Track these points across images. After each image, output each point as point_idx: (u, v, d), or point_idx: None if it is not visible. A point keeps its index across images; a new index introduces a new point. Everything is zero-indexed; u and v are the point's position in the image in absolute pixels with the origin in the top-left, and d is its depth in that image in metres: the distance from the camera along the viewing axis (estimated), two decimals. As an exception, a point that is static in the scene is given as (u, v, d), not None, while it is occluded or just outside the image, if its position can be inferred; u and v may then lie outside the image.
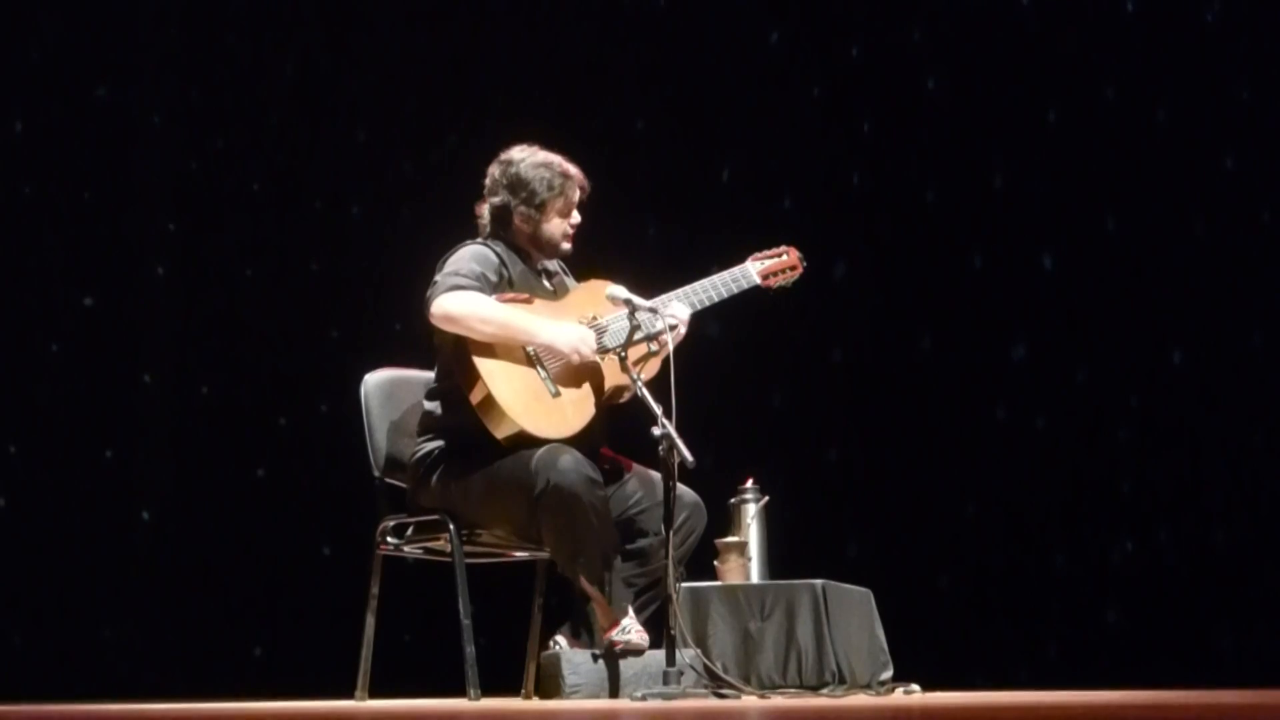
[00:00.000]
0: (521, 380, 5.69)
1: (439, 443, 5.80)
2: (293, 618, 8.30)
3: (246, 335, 8.60)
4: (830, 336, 8.20)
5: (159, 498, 8.58)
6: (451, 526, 5.78)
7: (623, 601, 5.69)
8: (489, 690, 5.89)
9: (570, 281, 6.00)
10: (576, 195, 5.89)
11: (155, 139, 8.70)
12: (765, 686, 5.91)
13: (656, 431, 5.44)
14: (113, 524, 8.48)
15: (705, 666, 5.72)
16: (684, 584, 5.89)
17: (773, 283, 6.04)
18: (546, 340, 5.70)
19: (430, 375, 5.97)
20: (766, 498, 6.22)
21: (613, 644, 5.63)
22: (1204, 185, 7.83)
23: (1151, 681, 6.81)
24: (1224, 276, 7.77)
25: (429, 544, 5.97)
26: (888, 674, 6.14)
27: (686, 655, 5.61)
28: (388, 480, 6.03)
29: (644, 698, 5.40)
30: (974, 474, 7.99)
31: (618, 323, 5.77)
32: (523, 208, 5.86)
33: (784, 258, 6.08)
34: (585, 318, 5.79)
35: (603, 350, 5.74)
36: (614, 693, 5.61)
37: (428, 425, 5.85)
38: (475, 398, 5.67)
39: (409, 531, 5.97)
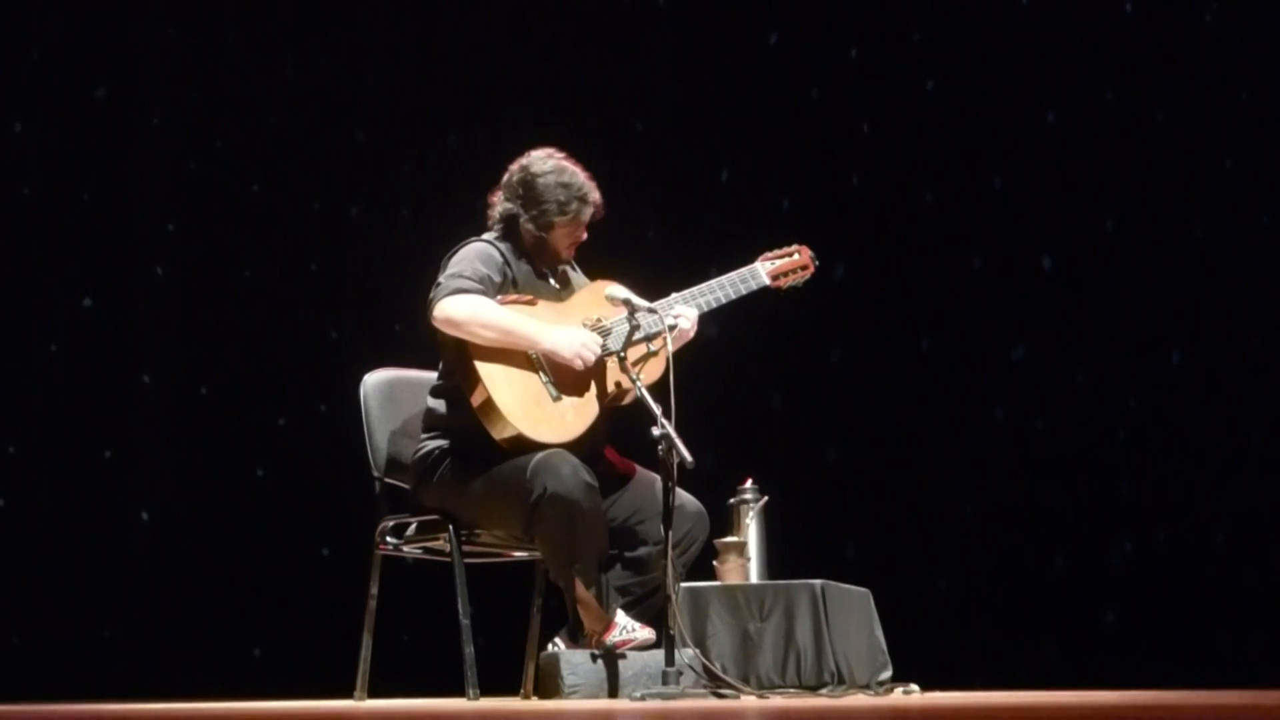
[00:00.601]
0: (522, 384, 5.70)
1: (441, 442, 5.81)
2: (292, 618, 8.30)
3: (246, 336, 8.60)
4: (829, 337, 8.20)
5: (158, 498, 8.58)
6: (450, 527, 5.79)
7: (615, 606, 5.69)
8: (488, 690, 5.90)
9: (579, 277, 5.98)
10: (589, 217, 5.87)
11: (154, 139, 8.70)
12: (764, 687, 5.91)
13: (656, 432, 5.44)
14: (112, 524, 8.48)
15: (704, 667, 5.72)
16: (683, 584, 5.89)
17: (783, 283, 6.01)
18: (549, 347, 5.70)
19: (432, 374, 5.97)
20: (766, 498, 6.22)
21: (615, 645, 5.63)
22: (1203, 186, 7.83)
23: (1150, 682, 6.81)
24: (1223, 277, 7.76)
25: (428, 544, 5.97)
26: (887, 674, 6.13)
27: (685, 655, 5.61)
28: (387, 480, 6.04)
29: (643, 698, 5.41)
30: (973, 475, 7.99)
31: (621, 325, 5.77)
32: (530, 224, 5.85)
33: (795, 257, 6.04)
34: (589, 320, 5.78)
35: (606, 353, 5.74)
36: (613, 693, 5.62)
37: (431, 423, 5.85)
38: (475, 400, 5.67)
39: (408, 531, 5.98)
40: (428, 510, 5.87)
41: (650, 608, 5.69)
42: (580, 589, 5.65)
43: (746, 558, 6.17)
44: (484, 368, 5.67)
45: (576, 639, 5.75)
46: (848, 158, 8.30)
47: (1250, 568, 7.65)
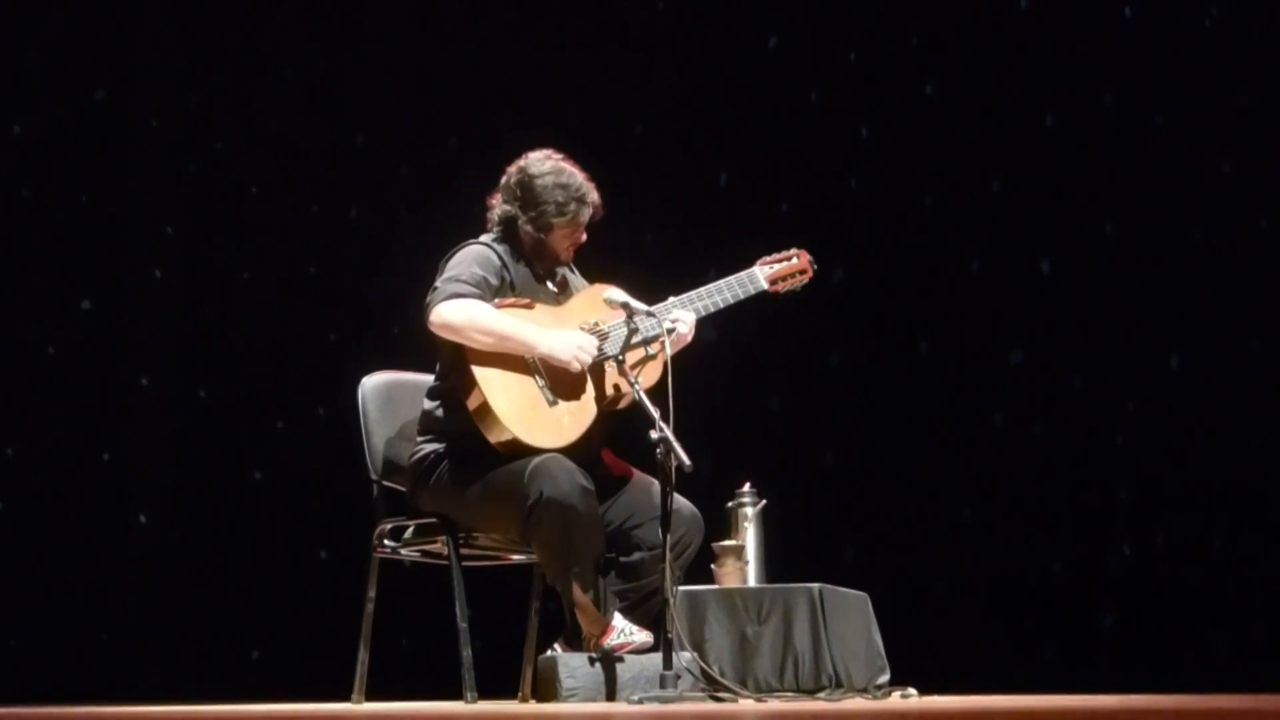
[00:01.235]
0: (518, 388, 5.69)
1: (437, 446, 5.80)
2: (290, 621, 8.30)
3: (244, 338, 8.60)
4: (828, 341, 8.20)
5: (156, 500, 8.58)
6: (448, 530, 5.79)
7: (612, 609, 5.69)
8: (485, 693, 5.89)
9: (577, 281, 5.97)
10: (587, 218, 5.86)
11: (153, 142, 8.70)
12: (762, 690, 5.90)
13: (654, 435, 5.44)
14: (110, 527, 8.48)
15: (702, 670, 5.71)
16: (681, 587, 5.88)
17: (781, 287, 6.00)
18: (545, 350, 5.69)
19: (430, 378, 5.97)
20: (764, 501, 6.22)
21: (613, 649, 5.63)
22: (1202, 190, 7.83)
23: (1148, 686, 6.81)
24: (1222, 282, 7.76)
25: (426, 547, 5.97)
26: (884, 678, 6.13)
27: (683, 659, 5.60)
28: (385, 484, 6.03)
29: (641, 701, 5.40)
30: (971, 478, 7.99)
31: (619, 329, 5.76)
32: (529, 225, 5.84)
33: (793, 261, 6.03)
34: (587, 324, 5.77)
35: (603, 357, 5.73)
36: (610, 696, 5.61)
37: (427, 426, 5.85)
38: (471, 404, 5.67)
39: (406, 534, 5.98)
40: (425, 514, 5.87)
41: (648, 611, 5.68)
42: (577, 593, 5.65)
43: (744, 561, 6.17)
44: (480, 372, 5.66)
45: (574, 643, 5.74)
46: (847, 161, 8.30)
47: (1248, 571, 7.65)
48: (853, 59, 8.33)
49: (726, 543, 6.16)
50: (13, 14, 8.54)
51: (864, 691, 6.01)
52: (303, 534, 8.39)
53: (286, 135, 8.71)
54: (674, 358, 5.65)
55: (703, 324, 5.89)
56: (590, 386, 5.75)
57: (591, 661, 5.64)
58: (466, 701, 5.79)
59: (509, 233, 5.87)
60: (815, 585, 6.02)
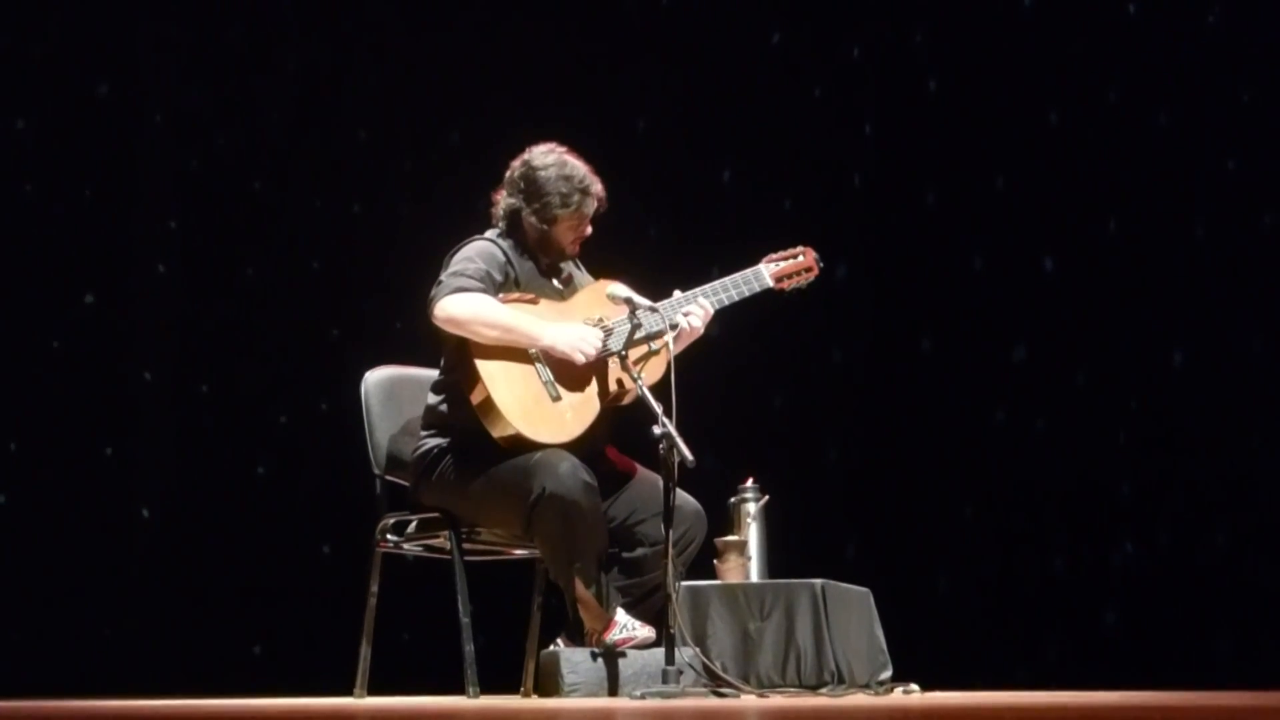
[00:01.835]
0: (522, 383, 5.69)
1: (441, 440, 5.80)
2: (292, 615, 8.30)
3: (247, 333, 8.60)
4: (831, 337, 8.21)
5: (159, 495, 8.58)
6: (451, 525, 5.79)
7: (615, 605, 5.70)
8: (488, 689, 5.89)
9: (583, 277, 5.97)
10: (592, 210, 5.86)
11: (157, 137, 8.70)
12: (764, 686, 5.91)
13: (657, 431, 5.44)
14: (113, 521, 8.48)
15: (704, 666, 5.72)
16: (683, 583, 5.89)
17: (786, 285, 5.99)
18: (549, 344, 5.70)
19: (433, 372, 5.97)
20: (766, 497, 6.22)
21: (615, 644, 5.63)
22: (1205, 187, 7.83)
23: (1150, 683, 6.81)
24: (1225, 279, 7.76)
25: (428, 542, 5.97)
26: (886, 674, 6.13)
27: (685, 654, 5.61)
28: (387, 478, 6.04)
29: (643, 696, 5.41)
30: (973, 475, 7.99)
31: (623, 324, 5.76)
32: (533, 218, 5.84)
33: (799, 259, 6.02)
34: (591, 319, 5.78)
35: (607, 353, 5.73)
36: (613, 691, 5.62)
37: (431, 421, 5.85)
38: (475, 399, 5.67)
39: (408, 529, 5.98)
40: (428, 508, 5.87)
41: (650, 607, 5.69)
42: (580, 588, 5.65)
43: (747, 557, 6.17)
44: (484, 366, 5.66)
45: (576, 638, 5.74)
46: (850, 157, 8.31)
47: (1251, 569, 7.65)
48: (856, 55, 8.33)
49: (729, 538, 6.16)
50: (16, 9, 8.54)
51: (866, 687, 6.01)
52: (305, 529, 8.39)
53: (289, 131, 8.71)
54: (678, 354, 5.65)
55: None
56: (594, 382, 5.75)
57: (594, 657, 5.65)
58: (469, 696, 5.79)
59: (514, 227, 5.87)
60: (817, 581, 6.02)
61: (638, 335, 5.73)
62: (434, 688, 6.63)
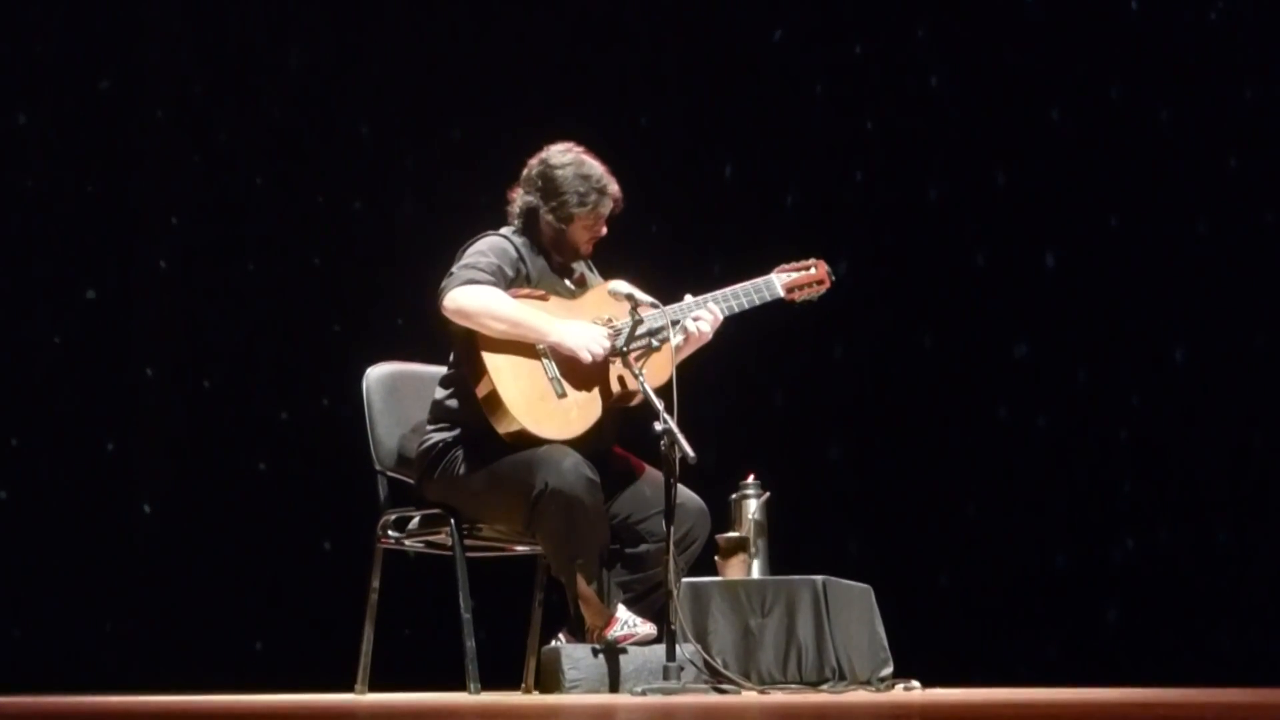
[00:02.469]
0: (528, 378, 5.69)
1: (448, 434, 5.80)
2: (293, 612, 8.30)
3: (248, 329, 8.60)
4: (832, 334, 8.20)
5: (160, 491, 8.58)
6: (452, 521, 5.79)
7: (616, 601, 5.70)
8: (489, 685, 5.89)
9: (595, 278, 5.97)
10: (608, 210, 5.86)
11: (158, 132, 8.70)
12: (765, 682, 5.90)
13: (658, 427, 5.44)
14: (114, 517, 8.48)
15: (705, 662, 5.72)
16: (685, 579, 5.89)
17: (797, 296, 6.00)
18: (556, 339, 5.70)
19: (435, 368, 5.97)
20: (768, 493, 6.22)
21: (616, 640, 5.63)
22: (1207, 184, 7.83)
23: (1151, 680, 6.81)
24: (1227, 276, 7.76)
25: (430, 538, 5.97)
26: (888, 670, 6.13)
27: (686, 651, 5.61)
28: (389, 474, 6.04)
29: (644, 693, 5.40)
30: (975, 471, 7.99)
31: (626, 322, 5.75)
32: (550, 216, 5.84)
33: (811, 271, 6.02)
34: (600, 319, 5.78)
35: (614, 352, 5.73)
36: (614, 688, 5.62)
37: (438, 415, 5.85)
38: (480, 392, 5.68)
39: (410, 525, 5.98)
40: (430, 504, 5.87)
41: (652, 604, 5.69)
42: (581, 584, 5.65)
43: (748, 553, 6.17)
44: (491, 360, 5.66)
45: (578, 634, 5.75)
46: (851, 154, 8.30)
47: (1252, 565, 7.65)
48: (858, 52, 8.33)
49: (730, 535, 6.16)
50: (18, 4, 8.54)
51: (867, 684, 6.01)
52: (307, 525, 8.40)
53: (291, 126, 8.71)
54: (676, 350, 5.64)
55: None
56: (600, 381, 5.75)
57: (595, 653, 5.65)
58: (470, 692, 5.79)
59: (530, 225, 5.87)
60: (819, 578, 6.01)
61: (639, 331, 5.73)
62: (435, 684, 6.63)
